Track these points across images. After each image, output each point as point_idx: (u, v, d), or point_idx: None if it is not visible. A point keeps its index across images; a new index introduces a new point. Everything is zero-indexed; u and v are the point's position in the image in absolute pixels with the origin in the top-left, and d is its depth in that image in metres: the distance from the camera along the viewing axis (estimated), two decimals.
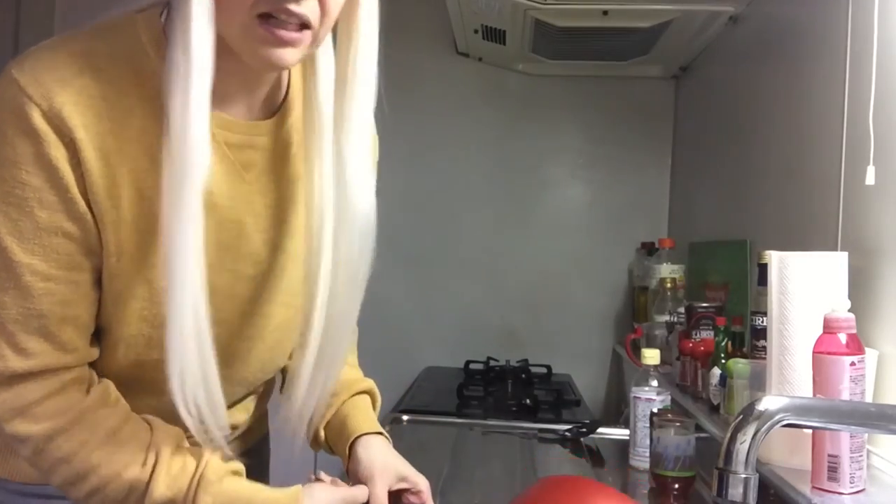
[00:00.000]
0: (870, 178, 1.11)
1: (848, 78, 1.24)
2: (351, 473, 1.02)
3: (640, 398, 1.35)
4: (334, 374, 0.93)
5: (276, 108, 0.89)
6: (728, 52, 2.01)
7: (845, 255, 1.07)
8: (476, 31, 2.24)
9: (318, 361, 0.89)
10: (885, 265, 1.11)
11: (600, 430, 1.62)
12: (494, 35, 2.24)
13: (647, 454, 1.28)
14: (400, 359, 2.45)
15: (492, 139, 2.62)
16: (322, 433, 1.05)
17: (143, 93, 0.77)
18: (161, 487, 0.80)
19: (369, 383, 1.10)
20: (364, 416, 1.05)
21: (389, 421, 1.67)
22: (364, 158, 0.87)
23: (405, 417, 1.72)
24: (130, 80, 0.77)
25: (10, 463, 0.90)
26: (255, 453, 1.10)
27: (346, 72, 0.84)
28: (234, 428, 1.01)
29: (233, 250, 0.87)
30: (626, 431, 1.41)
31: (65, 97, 0.74)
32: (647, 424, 1.30)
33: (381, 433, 1.05)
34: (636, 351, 1.96)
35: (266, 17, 0.73)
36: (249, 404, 1.05)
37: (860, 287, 1.10)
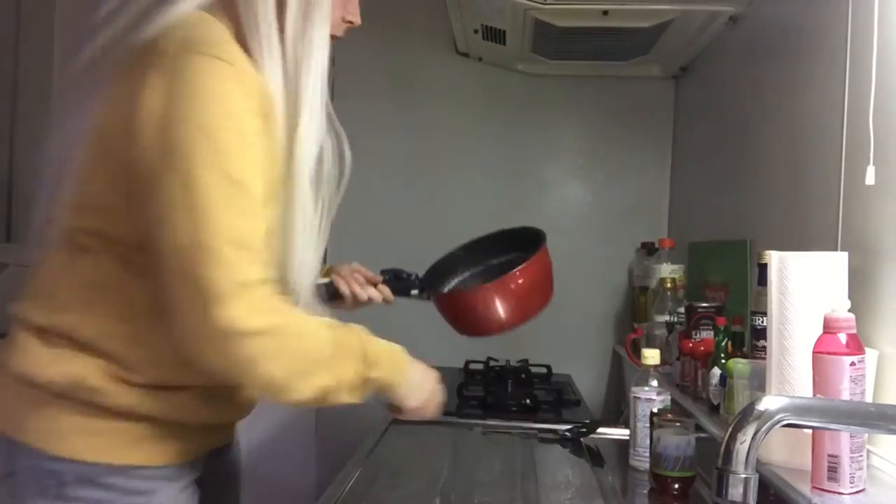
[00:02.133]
0: (870, 178, 1.11)
1: (848, 78, 1.24)
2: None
3: (640, 398, 1.35)
4: None
5: None
6: (728, 52, 2.01)
7: (845, 255, 1.07)
8: (476, 31, 2.24)
9: None
10: (885, 265, 1.11)
11: (600, 430, 1.62)
12: (494, 35, 2.23)
13: (647, 454, 1.28)
14: None
15: (491, 139, 2.61)
16: None
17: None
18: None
19: None
20: None
21: (389, 421, 1.66)
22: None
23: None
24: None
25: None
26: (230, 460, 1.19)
27: None
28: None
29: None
30: (626, 431, 1.42)
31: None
32: (647, 424, 1.30)
33: None
34: (636, 351, 1.96)
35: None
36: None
37: (860, 287, 1.10)
